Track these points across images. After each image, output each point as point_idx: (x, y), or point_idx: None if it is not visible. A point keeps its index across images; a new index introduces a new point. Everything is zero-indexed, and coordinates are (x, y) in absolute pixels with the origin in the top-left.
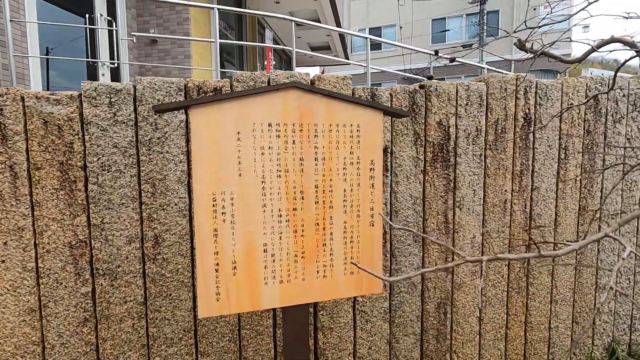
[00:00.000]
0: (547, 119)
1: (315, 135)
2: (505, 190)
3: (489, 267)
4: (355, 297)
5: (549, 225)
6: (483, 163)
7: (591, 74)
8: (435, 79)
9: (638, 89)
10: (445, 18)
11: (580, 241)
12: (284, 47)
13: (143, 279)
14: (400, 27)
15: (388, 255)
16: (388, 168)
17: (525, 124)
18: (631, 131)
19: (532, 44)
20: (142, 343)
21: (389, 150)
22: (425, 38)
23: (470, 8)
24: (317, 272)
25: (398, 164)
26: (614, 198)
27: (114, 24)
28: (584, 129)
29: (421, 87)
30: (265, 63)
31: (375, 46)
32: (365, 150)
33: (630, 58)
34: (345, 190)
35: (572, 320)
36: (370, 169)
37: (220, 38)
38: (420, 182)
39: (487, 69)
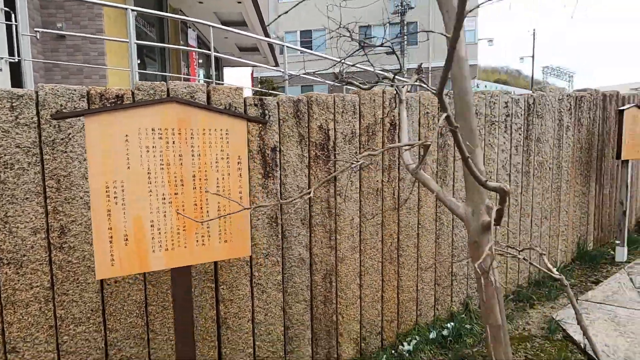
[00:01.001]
0: (408, 124)
1: (191, 137)
2: (377, 181)
3: (366, 243)
4: (252, 272)
5: (414, 207)
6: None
7: (485, 86)
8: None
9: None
10: (370, 26)
11: (294, 197)
12: (204, 51)
13: (50, 266)
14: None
15: (280, 236)
16: (278, 164)
17: (392, 128)
18: None
19: (344, 76)
20: (49, 324)
21: (278, 149)
22: (354, 43)
23: (394, 17)
24: (197, 241)
25: (286, 161)
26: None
27: (12, 16)
28: (438, 133)
29: (305, 96)
30: (190, 61)
31: (307, 48)
32: (233, 149)
33: (396, 99)
34: (218, 179)
35: (435, 283)
36: (238, 163)
37: (138, 36)
38: (305, 175)
39: (396, 78)
